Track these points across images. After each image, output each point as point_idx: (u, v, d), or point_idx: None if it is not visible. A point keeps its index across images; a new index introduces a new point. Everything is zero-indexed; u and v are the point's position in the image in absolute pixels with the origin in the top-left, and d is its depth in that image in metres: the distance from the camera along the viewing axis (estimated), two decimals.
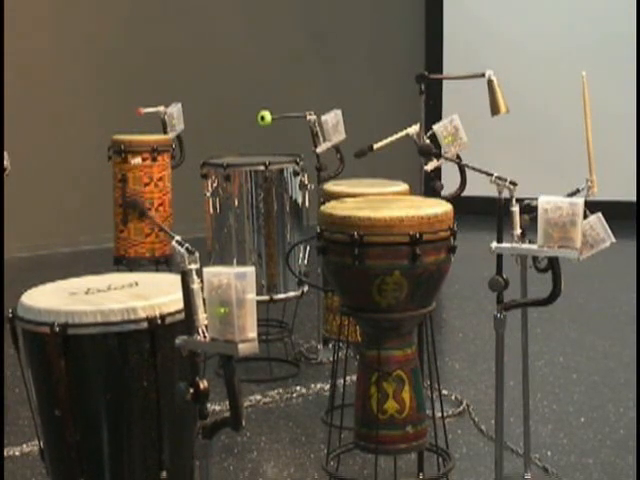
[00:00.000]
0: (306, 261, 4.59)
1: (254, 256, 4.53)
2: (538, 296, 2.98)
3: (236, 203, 4.52)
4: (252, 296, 2.01)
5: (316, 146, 4.72)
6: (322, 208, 3.10)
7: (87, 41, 7.63)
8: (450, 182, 3.85)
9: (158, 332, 2.37)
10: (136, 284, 2.56)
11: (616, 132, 7.84)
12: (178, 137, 5.51)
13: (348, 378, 3.78)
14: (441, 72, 8.35)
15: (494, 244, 2.91)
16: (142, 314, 2.37)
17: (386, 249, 2.90)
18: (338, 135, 4.67)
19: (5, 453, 3.75)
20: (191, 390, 2.13)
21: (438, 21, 8.77)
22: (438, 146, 3.49)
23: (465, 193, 3.91)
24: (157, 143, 5.29)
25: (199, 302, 2.12)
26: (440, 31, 8.75)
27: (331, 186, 4.27)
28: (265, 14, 8.33)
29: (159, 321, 2.37)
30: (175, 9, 7.99)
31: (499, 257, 2.96)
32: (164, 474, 2.44)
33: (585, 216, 2.83)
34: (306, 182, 4.62)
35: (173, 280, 2.44)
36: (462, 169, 3.74)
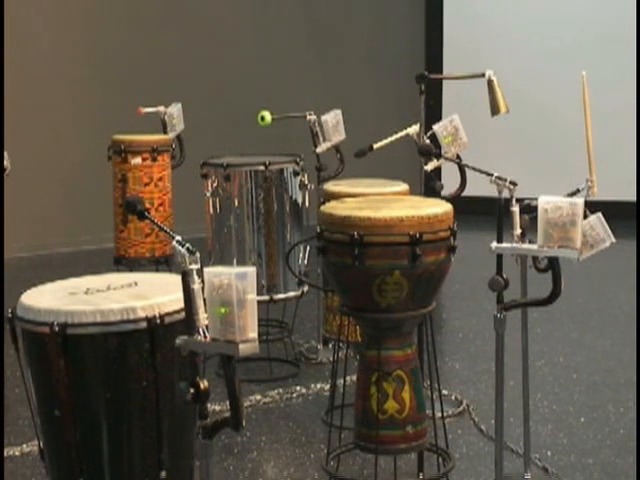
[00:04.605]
0: (306, 261, 4.59)
1: (254, 256, 4.53)
2: (538, 296, 2.98)
3: (236, 203, 4.52)
4: (253, 296, 2.01)
5: (316, 146, 4.72)
6: (322, 208, 3.10)
7: (87, 41, 7.64)
8: (450, 182, 3.84)
9: (157, 332, 2.37)
10: (135, 284, 2.56)
11: (616, 132, 7.85)
12: (178, 137, 5.50)
13: (348, 378, 3.77)
14: (441, 72, 8.35)
15: (494, 244, 2.91)
16: (141, 314, 2.36)
17: (386, 249, 2.90)
18: (338, 135, 4.67)
19: (5, 453, 3.75)
20: (191, 390, 2.13)
21: (438, 21, 8.77)
22: (438, 146, 3.49)
23: (465, 193, 3.91)
24: (157, 143, 5.29)
25: (200, 302, 2.12)
26: (440, 31, 8.75)
27: (331, 186, 4.27)
28: (265, 14, 8.33)
29: (158, 321, 2.36)
30: (175, 9, 7.99)
31: (499, 257, 2.96)
32: (163, 474, 2.44)
33: (585, 216, 2.83)
34: (306, 182, 4.62)
35: (173, 280, 2.44)
36: (462, 169, 3.74)
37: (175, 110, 5.47)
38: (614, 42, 8.18)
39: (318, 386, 4.51)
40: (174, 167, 5.44)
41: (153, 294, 2.44)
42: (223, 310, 2.01)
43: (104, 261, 5.87)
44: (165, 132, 5.48)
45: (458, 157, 3.55)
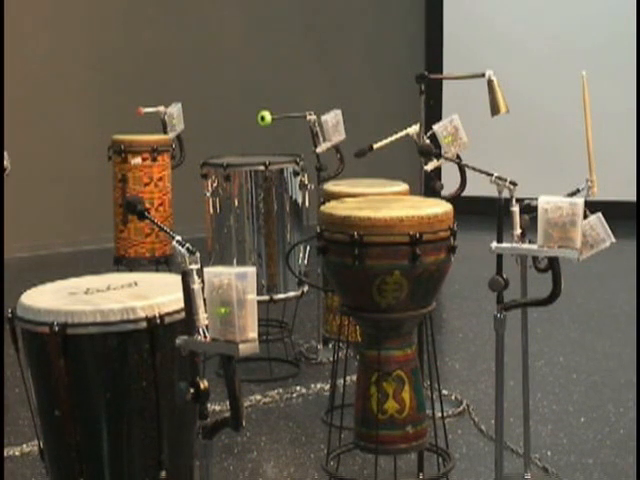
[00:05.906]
0: (306, 261, 4.59)
1: (254, 256, 4.53)
2: (538, 296, 2.98)
3: (236, 203, 4.52)
4: (253, 296, 2.01)
5: (316, 146, 4.72)
6: (322, 208, 3.10)
7: (87, 41, 7.63)
8: (450, 182, 3.85)
9: (157, 332, 2.37)
10: (135, 284, 2.56)
11: (616, 132, 7.85)
12: (178, 137, 5.50)
13: (348, 378, 3.77)
14: (441, 72, 8.35)
15: (494, 244, 2.91)
16: (141, 314, 2.36)
17: (386, 249, 2.90)
18: (338, 135, 4.67)
19: (5, 453, 3.75)
20: (191, 390, 2.13)
21: (438, 21, 8.77)
22: (438, 146, 3.49)
23: (465, 193, 3.91)
24: (157, 143, 5.29)
25: (200, 302, 2.12)
26: (440, 31, 8.75)
27: (331, 186, 4.27)
28: (265, 14, 8.33)
29: (158, 321, 2.36)
30: (175, 9, 7.99)
31: (499, 257, 2.96)
32: (163, 474, 2.44)
33: (585, 216, 2.83)
34: (306, 182, 4.62)
35: (173, 280, 2.44)
36: (462, 169, 3.75)
37: (175, 110, 5.47)
38: (614, 42, 8.18)
39: (318, 386, 4.51)
40: (174, 167, 5.44)
41: (153, 294, 2.44)
42: (223, 310, 2.01)
43: (104, 261, 5.87)
44: (165, 132, 5.47)
45: (458, 157, 3.55)
